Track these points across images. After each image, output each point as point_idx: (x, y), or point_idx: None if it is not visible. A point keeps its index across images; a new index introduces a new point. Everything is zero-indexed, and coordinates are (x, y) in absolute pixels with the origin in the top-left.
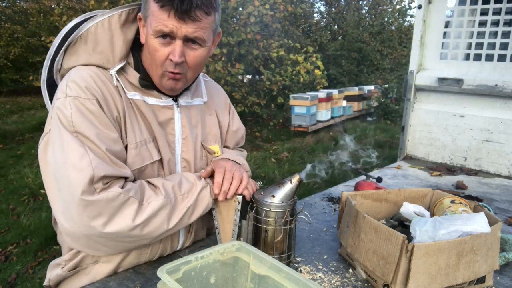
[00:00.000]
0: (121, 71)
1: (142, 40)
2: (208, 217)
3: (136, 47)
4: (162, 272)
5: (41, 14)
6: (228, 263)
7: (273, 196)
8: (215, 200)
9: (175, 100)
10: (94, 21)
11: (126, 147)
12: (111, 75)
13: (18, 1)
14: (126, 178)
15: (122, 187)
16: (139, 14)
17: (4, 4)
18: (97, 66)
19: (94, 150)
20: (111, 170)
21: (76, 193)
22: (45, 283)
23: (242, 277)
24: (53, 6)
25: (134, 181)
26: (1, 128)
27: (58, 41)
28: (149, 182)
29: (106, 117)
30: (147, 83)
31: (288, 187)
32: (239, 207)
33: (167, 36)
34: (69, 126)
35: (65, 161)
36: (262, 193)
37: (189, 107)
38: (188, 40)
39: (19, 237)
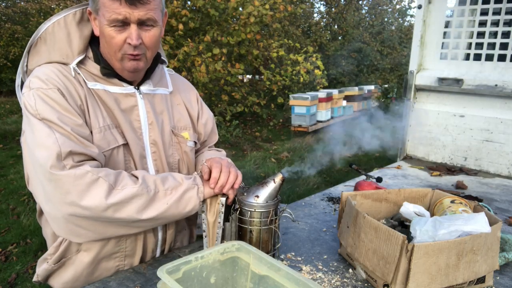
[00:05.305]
0: (80, 64)
1: (96, 32)
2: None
3: (94, 42)
4: (162, 272)
5: (41, 14)
6: (228, 263)
7: (257, 196)
8: (204, 204)
9: (137, 88)
10: (51, 21)
11: (91, 133)
12: (70, 68)
13: (18, 1)
14: (96, 161)
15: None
16: (88, 8)
17: (4, 5)
18: (58, 62)
19: (60, 131)
20: (78, 147)
21: (46, 169)
22: (34, 278)
23: (242, 277)
24: (53, 6)
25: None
26: (1, 128)
27: (27, 48)
28: (131, 174)
29: (68, 104)
30: (108, 72)
31: (271, 186)
32: (223, 210)
33: (122, 23)
34: (35, 114)
35: (34, 143)
36: (245, 193)
37: (152, 95)
38: (142, 23)
39: (19, 237)
